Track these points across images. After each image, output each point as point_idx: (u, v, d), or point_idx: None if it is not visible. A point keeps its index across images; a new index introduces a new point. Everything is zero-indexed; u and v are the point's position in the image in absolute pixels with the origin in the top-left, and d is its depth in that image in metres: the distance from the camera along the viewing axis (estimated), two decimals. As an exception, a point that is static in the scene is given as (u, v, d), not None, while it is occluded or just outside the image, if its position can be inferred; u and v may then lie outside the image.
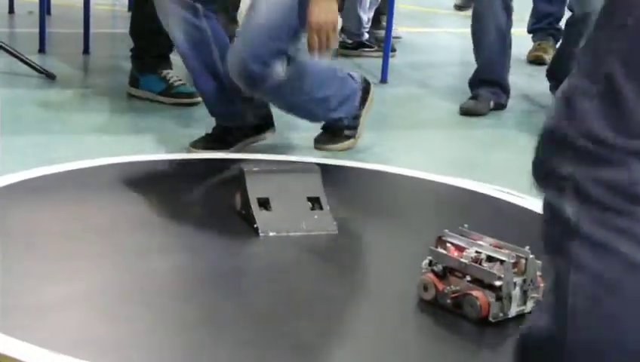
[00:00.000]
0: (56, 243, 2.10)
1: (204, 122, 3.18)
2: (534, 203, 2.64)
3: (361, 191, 2.71)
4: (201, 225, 2.28)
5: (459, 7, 6.33)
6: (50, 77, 3.84)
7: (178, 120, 3.52)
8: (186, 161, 2.84)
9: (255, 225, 2.23)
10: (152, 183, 2.62)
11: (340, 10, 2.71)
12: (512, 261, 1.83)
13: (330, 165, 2.87)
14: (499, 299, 1.81)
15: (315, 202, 2.29)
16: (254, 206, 2.24)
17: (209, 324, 1.76)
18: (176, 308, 1.82)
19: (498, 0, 3.73)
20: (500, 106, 3.89)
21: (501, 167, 3.11)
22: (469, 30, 3.94)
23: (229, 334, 1.73)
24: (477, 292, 1.81)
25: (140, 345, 1.67)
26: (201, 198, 2.52)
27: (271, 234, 2.21)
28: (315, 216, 2.27)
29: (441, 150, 3.31)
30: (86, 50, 4.45)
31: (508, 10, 3.75)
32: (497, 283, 1.81)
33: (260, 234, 2.20)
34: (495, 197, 2.65)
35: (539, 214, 1.12)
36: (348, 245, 2.22)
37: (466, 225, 1.95)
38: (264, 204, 2.26)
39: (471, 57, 3.94)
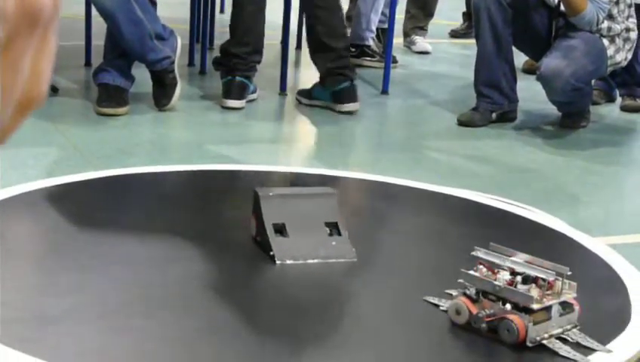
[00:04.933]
0: (58, 255, 2.10)
1: (212, 131, 3.17)
2: (540, 215, 2.64)
3: (367, 204, 2.71)
4: (213, 251, 2.19)
5: (455, 34, 6.32)
6: (52, 89, 3.85)
7: (181, 130, 3.53)
8: (192, 172, 2.83)
9: (271, 253, 2.12)
10: (157, 197, 2.62)
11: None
12: (551, 279, 1.77)
13: (331, 176, 2.88)
14: (536, 322, 1.75)
15: (332, 228, 2.19)
16: (270, 232, 2.14)
17: (222, 354, 1.75)
18: (184, 333, 1.81)
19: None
20: (506, 117, 3.88)
21: (501, 178, 3.11)
22: (471, 40, 3.95)
23: None
24: (513, 316, 1.75)
25: (143, 357, 1.67)
26: (213, 222, 2.51)
27: (288, 261, 2.11)
28: (333, 243, 2.16)
29: (443, 161, 3.32)
30: (88, 63, 4.46)
31: (504, 8, 3.74)
32: (535, 306, 1.75)
33: (277, 262, 2.10)
34: (501, 209, 2.65)
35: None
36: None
37: (492, 244, 1.90)
38: (280, 229, 2.16)
39: (473, 68, 3.95)
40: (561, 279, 1.80)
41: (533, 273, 1.80)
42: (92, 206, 2.46)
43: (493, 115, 3.87)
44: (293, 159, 3.15)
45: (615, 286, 2.11)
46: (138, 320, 1.79)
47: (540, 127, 3.90)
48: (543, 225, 2.52)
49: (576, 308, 1.83)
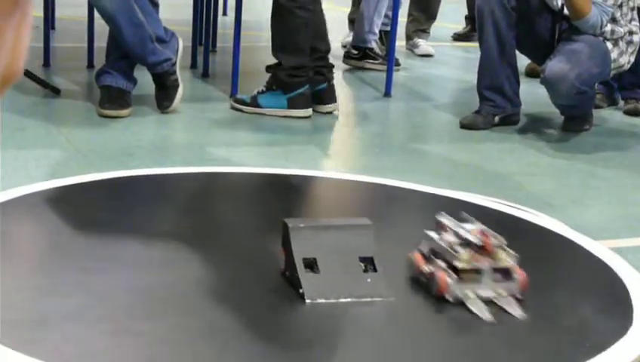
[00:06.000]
0: (60, 256, 2.10)
1: (214, 133, 3.16)
2: (542, 218, 2.64)
3: (370, 208, 2.70)
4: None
5: (457, 37, 6.32)
6: (54, 91, 3.85)
7: (183, 132, 3.53)
8: (194, 175, 2.83)
9: (301, 290, 1.94)
10: (159, 199, 2.61)
11: None
12: (479, 243, 1.93)
13: (332, 179, 2.87)
14: (463, 281, 1.92)
15: (368, 263, 2.01)
16: (300, 268, 1.96)
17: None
18: (186, 336, 1.81)
19: (497, 1, 3.72)
20: (509, 120, 3.88)
21: (504, 181, 3.11)
22: (474, 43, 3.95)
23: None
24: (440, 272, 1.92)
25: (144, 360, 1.67)
26: (214, 225, 2.50)
27: (319, 300, 1.93)
28: (369, 280, 1.98)
29: (445, 164, 3.31)
30: (90, 65, 4.46)
31: (508, 12, 3.74)
32: (459, 265, 1.91)
33: (307, 301, 1.93)
34: (503, 212, 2.64)
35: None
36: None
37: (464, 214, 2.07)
38: (311, 265, 1.98)
39: (475, 71, 3.94)
40: (499, 248, 1.96)
41: (469, 238, 1.96)
42: (94, 208, 2.46)
43: (496, 119, 3.86)
44: (295, 161, 3.15)
45: (617, 289, 2.11)
46: (140, 323, 1.79)
47: (542, 130, 3.90)
48: (546, 228, 2.51)
49: (518, 277, 1.95)
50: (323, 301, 1.93)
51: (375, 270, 2.00)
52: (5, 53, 0.54)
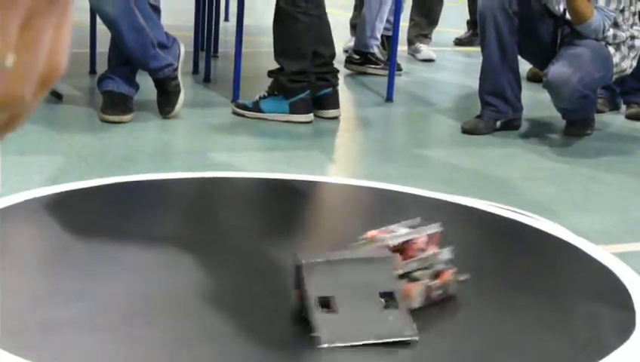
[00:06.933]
0: (61, 262, 2.10)
1: (216, 139, 3.16)
2: (544, 223, 2.63)
3: (373, 213, 2.70)
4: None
5: (459, 42, 6.32)
6: (56, 96, 3.85)
7: (185, 137, 3.53)
8: (196, 180, 2.83)
9: (316, 334, 1.79)
10: (161, 205, 2.61)
11: None
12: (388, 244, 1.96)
13: (333, 183, 2.87)
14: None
15: (389, 298, 1.87)
16: (315, 308, 1.82)
17: None
18: (188, 340, 1.81)
19: (499, 6, 3.72)
20: (510, 125, 3.87)
21: (506, 186, 3.11)
22: (475, 48, 3.95)
23: None
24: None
25: (144, 364, 1.67)
26: (216, 230, 2.51)
27: (337, 344, 1.78)
28: (390, 318, 1.84)
29: (447, 169, 3.31)
30: (92, 70, 4.46)
31: (510, 17, 3.74)
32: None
33: (323, 345, 1.77)
34: (505, 217, 2.64)
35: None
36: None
37: (418, 218, 2.07)
38: (327, 303, 1.84)
39: (477, 75, 3.94)
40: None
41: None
42: (96, 213, 2.46)
43: (498, 123, 3.86)
44: (297, 167, 3.15)
45: (619, 293, 2.11)
46: (140, 329, 1.79)
47: (544, 135, 3.90)
48: (547, 233, 2.51)
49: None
50: (340, 344, 1.78)
51: (397, 306, 1.86)
52: (44, 53, 0.53)
